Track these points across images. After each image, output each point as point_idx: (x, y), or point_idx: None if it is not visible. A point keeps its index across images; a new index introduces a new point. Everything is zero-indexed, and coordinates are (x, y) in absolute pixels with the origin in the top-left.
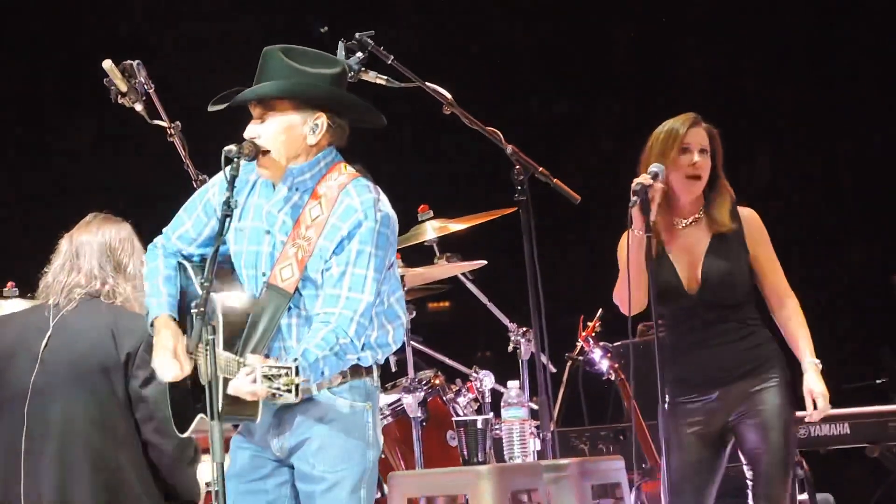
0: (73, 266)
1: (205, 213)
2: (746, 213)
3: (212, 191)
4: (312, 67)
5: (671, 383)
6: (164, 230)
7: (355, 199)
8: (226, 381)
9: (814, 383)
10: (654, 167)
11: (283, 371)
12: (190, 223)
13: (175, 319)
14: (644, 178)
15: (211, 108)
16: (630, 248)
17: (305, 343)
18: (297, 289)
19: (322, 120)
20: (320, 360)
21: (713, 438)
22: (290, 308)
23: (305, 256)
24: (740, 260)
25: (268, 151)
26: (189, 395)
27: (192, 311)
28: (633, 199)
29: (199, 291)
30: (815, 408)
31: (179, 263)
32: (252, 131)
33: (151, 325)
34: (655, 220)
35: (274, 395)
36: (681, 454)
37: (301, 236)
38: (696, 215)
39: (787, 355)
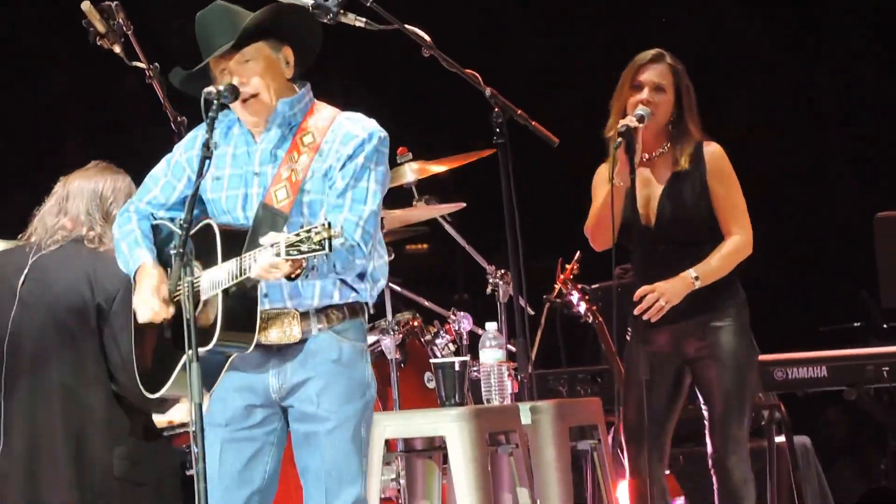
0: (62, 209)
1: (174, 176)
2: (710, 148)
3: (177, 152)
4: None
5: (631, 319)
6: (130, 199)
7: (354, 126)
8: (224, 295)
9: (665, 283)
10: (640, 110)
11: (311, 232)
12: (157, 189)
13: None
14: (629, 121)
15: (179, 82)
16: (614, 197)
17: None
18: (290, 210)
19: (289, 52)
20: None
21: (670, 374)
22: (283, 231)
23: (299, 180)
24: (698, 197)
25: (257, 94)
26: (164, 354)
27: (172, 252)
28: (618, 140)
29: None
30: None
31: (153, 225)
32: (234, 79)
33: (134, 274)
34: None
35: (303, 261)
36: (639, 389)
37: (293, 160)
38: (660, 150)
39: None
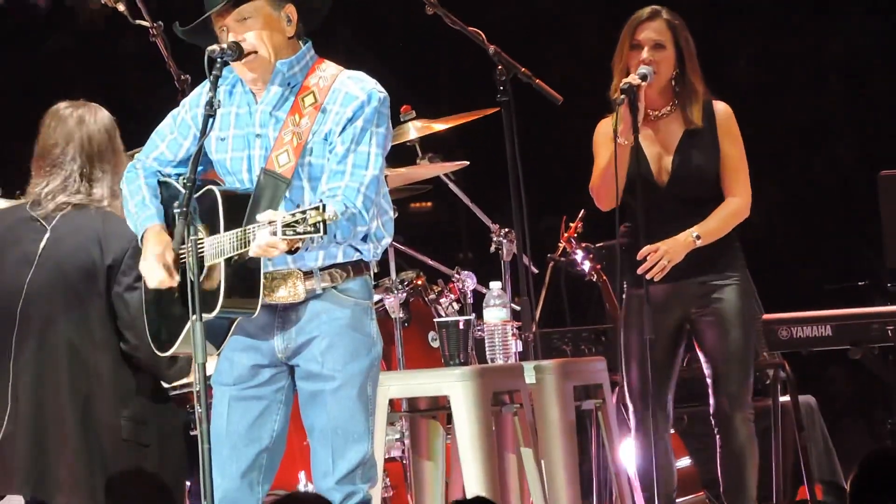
0: (70, 187)
1: (180, 133)
2: (720, 108)
3: (183, 109)
4: None
5: (629, 276)
6: (137, 156)
7: (354, 87)
8: (227, 263)
9: (667, 242)
10: (642, 69)
11: (306, 214)
12: (164, 146)
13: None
14: (632, 79)
15: (182, 34)
16: (618, 156)
17: None
18: (293, 175)
19: (292, 10)
20: (333, 223)
21: (670, 332)
22: (286, 196)
23: (301, 143)
24: (711, 156)
25: (255, 52)
26: (173, 314)
27: (175, 211)
28: (621, 98)
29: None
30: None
31: (160, 182)
32: (234, 37)
33: (141, 237)
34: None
35: (300, 241)
36: (640, 349)
37: (295, 123)
38: (668, 108)
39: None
